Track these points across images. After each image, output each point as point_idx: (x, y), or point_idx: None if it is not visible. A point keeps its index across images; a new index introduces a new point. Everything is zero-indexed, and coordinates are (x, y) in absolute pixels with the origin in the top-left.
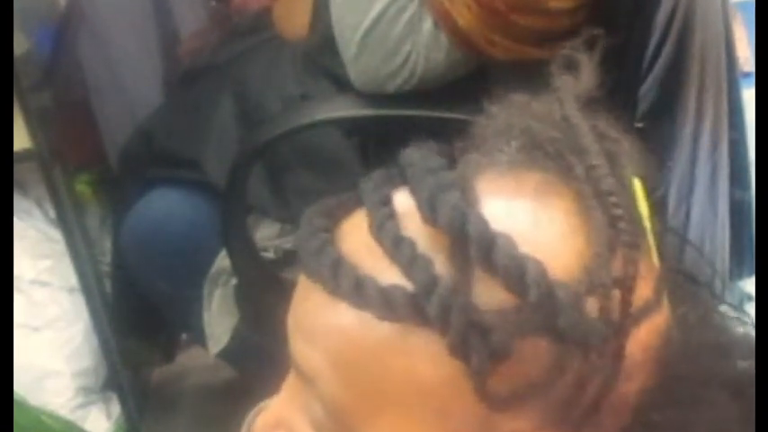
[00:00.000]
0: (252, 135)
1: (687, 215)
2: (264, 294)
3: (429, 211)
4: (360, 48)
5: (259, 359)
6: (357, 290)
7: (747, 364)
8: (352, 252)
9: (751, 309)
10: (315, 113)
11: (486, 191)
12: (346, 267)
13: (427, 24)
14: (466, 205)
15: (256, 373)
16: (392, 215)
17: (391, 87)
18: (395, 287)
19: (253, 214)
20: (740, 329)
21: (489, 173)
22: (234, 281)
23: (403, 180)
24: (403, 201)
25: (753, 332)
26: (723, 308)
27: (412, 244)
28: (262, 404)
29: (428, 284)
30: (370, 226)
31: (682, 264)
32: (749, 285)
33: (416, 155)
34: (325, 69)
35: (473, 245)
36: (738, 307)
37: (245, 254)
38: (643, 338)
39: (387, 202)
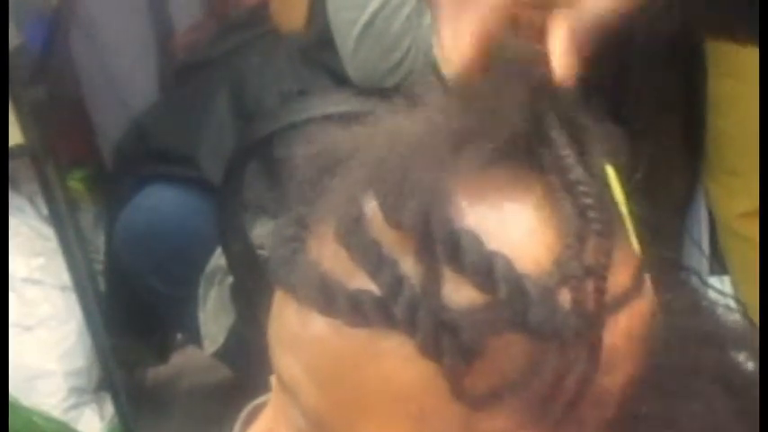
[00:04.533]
0: (248, 131)
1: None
2: (261, 293)
3: (392, 212)
4: (357, 43)
5: (255, 359)
6: (325, 297)
7: (739, 356)
8: (321, 259)
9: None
10: (312, 109)
11: (452, 188)
12: (314, 275)
13: (427, 19)
14: (429, 205)
15: (252, 373)
16: (357, 219)
17: (390, 83)
18: (362, 291)
19: (249, 212)
20: (730, 318)
21: (455, 170)
22: (230, 279)
23: (367, 183)
24: (368, 204)
25: (743, 321)
26: (712, 295)
27: (377, 247)
28: (254, 402)
29: (394, 286)
30: (336, 231)
31: (672, 251)
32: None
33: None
34: (322, 64)
35: (438, 244)
36: (727, 294)
37: (241, 252)
38: (624, 327)
39: (352, 206)
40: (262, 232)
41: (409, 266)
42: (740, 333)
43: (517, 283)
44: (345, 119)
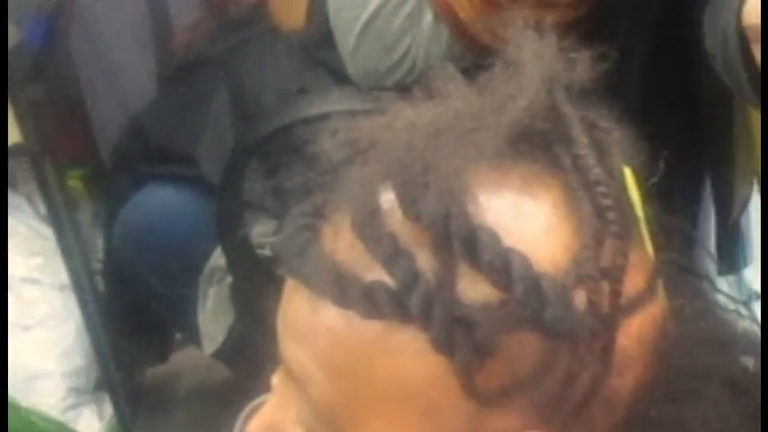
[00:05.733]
0: (248, 130)
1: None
2: (261, 293)
3: (411, 206)
4: (358, 41)
5: (255, 359)
6: (339, 288)
7: (749, 361)
8: (336, 250)
9: (758, 306)
10: (312, 108)
11: (471, 184)
12: (328, 266)
13: (428, 17)
14: (448, 200)
15: (252, 373)
16: (374, 211)
17: (391, 81)
18: (377, 284)
19: (249, 211)
20: (741, 323)
21: (474, 165)
22: (229, 279)
23: (386, 176)
24: (386, 196)
25: (754, 326)
26: (723, 301)
27: (394, 239)
28: (254, 402)
29: (410, 280)
30: (352, 222)
31: (683, 256)
32: (756, 283)
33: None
34: (322, 62)
35: (456, 240)
36: (738, 300)
37: (240, 251)
38: (636, 330)
39: (369, 198)
40: (261, 231)
41: (425, 260)
42: (750, 338)
43: (533, 282)
44: (347, 117)
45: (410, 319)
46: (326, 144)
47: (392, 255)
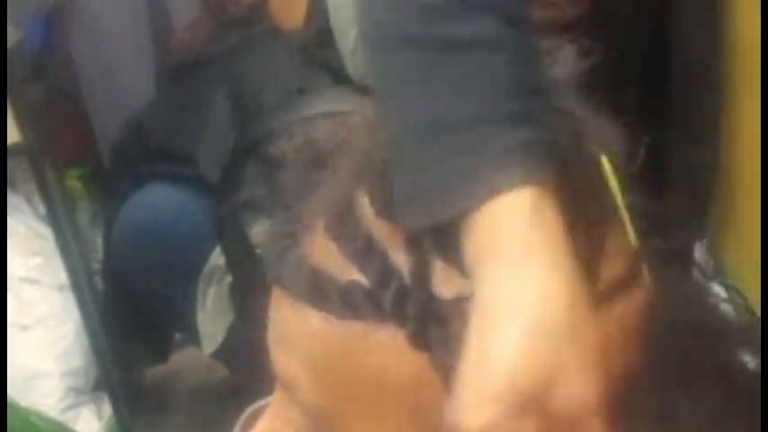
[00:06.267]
0: (247, 129)
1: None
2: (260, 292)
3: (381, 203)
4: (358, 41)
5: (254, 359)
6: (317, 291)
7: (742, 352)
8: (313, 253)
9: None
10: (312, 107)
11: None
12: (306, 269)
13: None
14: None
15: (251, 373)
16: (346, 211)
17: None
18: (352, 283)
19: (248, 210)
20: (733, 313)
21: None
22: (229, 278)
23: (355, 175)
24: (357, 195)
25: (746, 315)
26: (716, 289)
27: (366, 238)
28: (253, 406)
29: (383, 277)
30: (326, 225)
31: (672, 243)
32: None
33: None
34: (322, 62)
35: (427, 234)
36: (731, 286)
37: (240, 251)
38: (618, 316)
39: (341, 198)
40: (260, 231)
41: (399, 257)
42: (743, 329)
43: None
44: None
45: (386, 316)
46: (286, 148)
47: (365, 253)
